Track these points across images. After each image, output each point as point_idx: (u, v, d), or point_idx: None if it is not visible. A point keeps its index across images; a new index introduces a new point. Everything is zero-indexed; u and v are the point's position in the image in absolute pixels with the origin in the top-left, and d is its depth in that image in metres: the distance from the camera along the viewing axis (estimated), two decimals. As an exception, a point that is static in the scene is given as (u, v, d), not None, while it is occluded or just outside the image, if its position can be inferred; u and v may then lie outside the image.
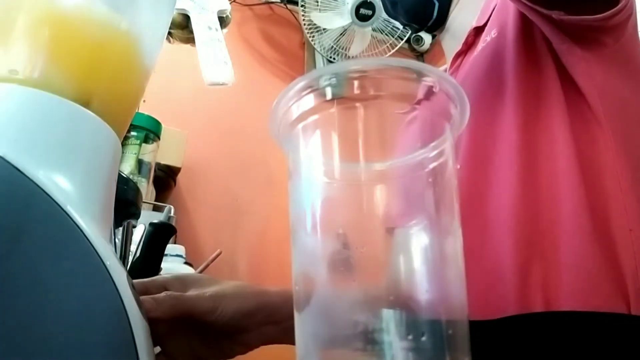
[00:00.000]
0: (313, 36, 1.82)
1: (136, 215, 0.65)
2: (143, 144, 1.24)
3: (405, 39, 1.88)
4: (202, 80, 0.93)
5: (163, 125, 1.32)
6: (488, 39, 0.59)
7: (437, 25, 0.74)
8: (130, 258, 0.66)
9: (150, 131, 1.27)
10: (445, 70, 0.70)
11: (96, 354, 0.27)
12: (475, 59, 0.61)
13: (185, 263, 1.24)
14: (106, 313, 0.28)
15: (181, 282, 0.44)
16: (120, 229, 0.58)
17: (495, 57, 0.57)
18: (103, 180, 0.35)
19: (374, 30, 1.81)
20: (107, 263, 0.29)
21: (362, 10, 1.72)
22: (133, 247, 0.66)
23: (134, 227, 0.71)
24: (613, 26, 0.51)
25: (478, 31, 0.65)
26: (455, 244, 0.29)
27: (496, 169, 0.53)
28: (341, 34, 1.82)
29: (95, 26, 0.36)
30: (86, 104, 0.34)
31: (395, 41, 1.88)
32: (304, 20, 1.78)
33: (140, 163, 1.23)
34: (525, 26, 0.56)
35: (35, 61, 0.33)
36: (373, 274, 0.29)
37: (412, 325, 0.26)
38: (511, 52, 0.56)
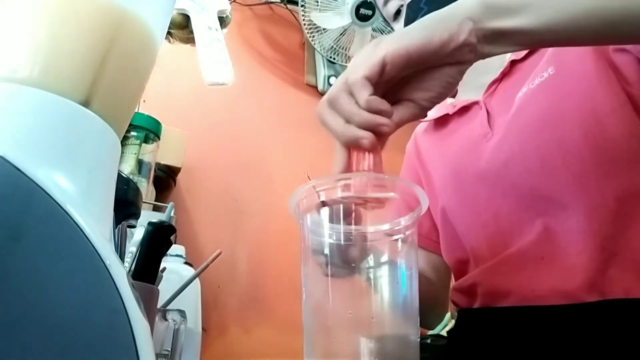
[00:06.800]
0: (313, 36, 1.82)
1: (136, 215, 0.65)
2: (143, 144, 1.24)
3: (405, 39, 1.88)
4: (202, 80, 0.93)
5: (163, 125, 1.32)
6: (545, 75, 0.65)
7: None
8: (130, 258, 0.66)
9: (150, 131, 1.27)
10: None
11: (96, 354, 0.27)
12: (532, 92, 0.66)
13: (185, 263, 1.24)
14: (106, 313, 0.28)
15: None
16: (116, 230, 0.58)
17: (556, 93, 0.63)
18: (103, 180, 0.35)
19: (374, 30, 1.81)
20: (107, 263, 0.29)
21: (362, 10, 1.72)
22: (134, 248, 0.66)
23: (133, 227, 0.71)
24: None
25: (514, 63, 0.72)
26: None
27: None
28: (341, 34, 1.82)
29: (96, 25, 0.36)
30: (86, 104, 0.34)
31: (395, 41, 1.88)
32: (304, 20, 1.78)
33: (140, 163, 1.23)
34: (599, 67, 0.61)
35: (35, 60, 0.33)
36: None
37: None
38: (576, 90, 0.62)
